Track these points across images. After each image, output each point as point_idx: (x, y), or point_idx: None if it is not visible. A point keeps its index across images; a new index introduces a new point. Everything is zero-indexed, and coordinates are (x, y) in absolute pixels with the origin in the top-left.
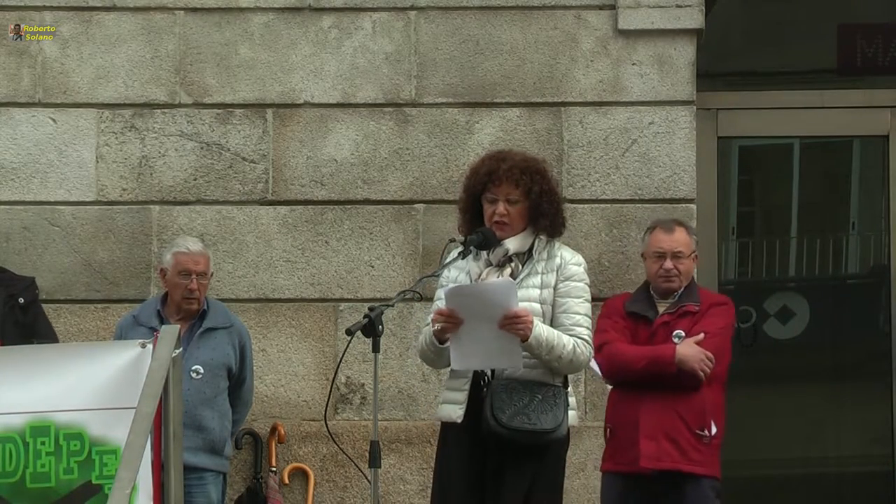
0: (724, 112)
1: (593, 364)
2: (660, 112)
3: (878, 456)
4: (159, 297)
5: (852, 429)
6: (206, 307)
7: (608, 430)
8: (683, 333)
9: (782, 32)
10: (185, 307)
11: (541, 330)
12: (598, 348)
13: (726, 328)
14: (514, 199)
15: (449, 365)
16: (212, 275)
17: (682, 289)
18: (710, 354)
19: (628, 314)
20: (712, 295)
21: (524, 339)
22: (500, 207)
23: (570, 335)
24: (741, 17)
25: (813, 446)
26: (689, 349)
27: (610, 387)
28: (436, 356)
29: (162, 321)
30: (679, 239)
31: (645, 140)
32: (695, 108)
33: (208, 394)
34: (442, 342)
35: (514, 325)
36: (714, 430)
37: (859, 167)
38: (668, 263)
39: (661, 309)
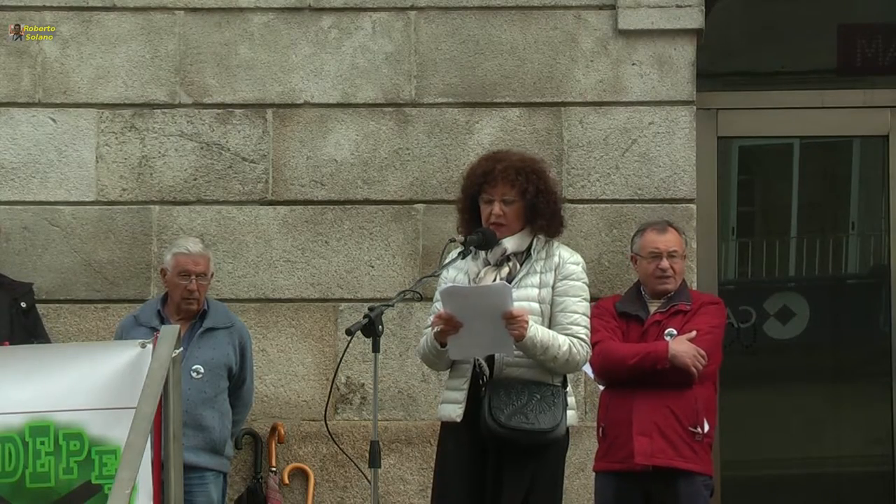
0: (724, 112)
1: (585, 366)
2: (660, 112)
3: (878, 456)
4: (160, 298)
5: (852, 429)
6: (206, 307)
7: (600, 429)
8: (675, 332)
9: (782, 32)
10: (184, 307)
11: (535, 331)
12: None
13: (718, 327)
14: (509, 200)
15: (447, 367)
16: (212, 275)
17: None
18: (702, 351)
19: (620, 314)
20: (703, 295)
21: (518, 339)
22: (496, 208)
23: (567, 334)
24: (741, 17)
25: (813, 446)
26: (682, 345)
27: (601, 387)
28: (437, 358)
29: (162, 321)
30: (672, 239)
31: (645, 140)
32: (695, 108)
33: (209, 393)
34: (443, 345)
35: (509, 325)
36: (707, 427)
37: (859, 167)
38: (665, 263)
39: (652, 309)
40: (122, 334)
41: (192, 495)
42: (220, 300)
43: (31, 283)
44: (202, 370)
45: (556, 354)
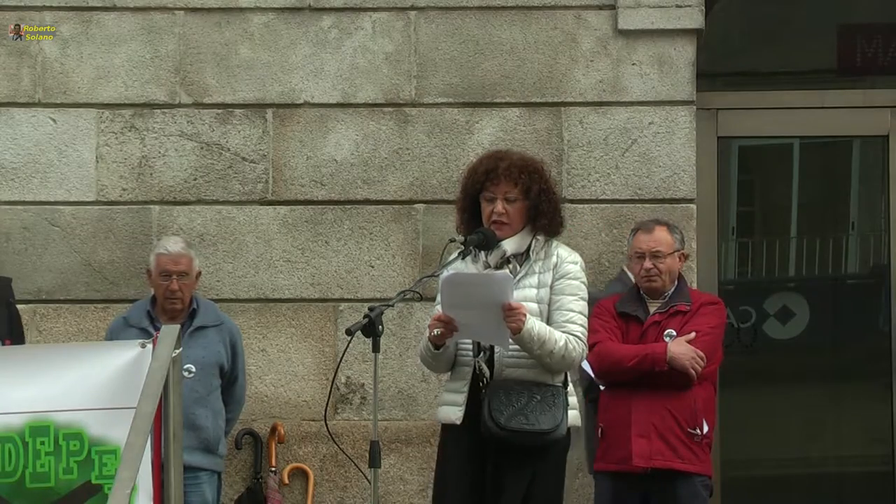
0: (724, 112)
1: (585, 364)
2: (660, 112)
3: (878, 456)
4: (149, 299)
5: (852, 429)
6: (196, 306)
7: (599, 429)
8: (675, 332)
9: (782, 32)
10: (168, 307)
11: (532, 324)
12: (590, 348)
13: (717, 328)
14: (512, 198)
15: (447, 370)
16: (199, 274)
17: (673, 289)
18: (701, 353)
19: (619, 314)
20: (703, 295)
21: (516, 331)
22: (499, 206)
23: (563, 332)
24: (741, 17)
25: (813, 446)
26: (680, 347)
27: (602, 387)
28: (434, 360)
29: (152, 322)
30: (658, 238)
31: (645, 140)
32: (695, 108)
33: (201, 392)
34: (437, 347)
35: (506, 317)
36: (706, 428)
37: (859, 167)
38: (648, 263)
39: (651, 309)
40: (112, 336)
41: (186, 495)
42: (220, 300)
43: (10, 279)
44: (193, 369)
45: (553, 349)
